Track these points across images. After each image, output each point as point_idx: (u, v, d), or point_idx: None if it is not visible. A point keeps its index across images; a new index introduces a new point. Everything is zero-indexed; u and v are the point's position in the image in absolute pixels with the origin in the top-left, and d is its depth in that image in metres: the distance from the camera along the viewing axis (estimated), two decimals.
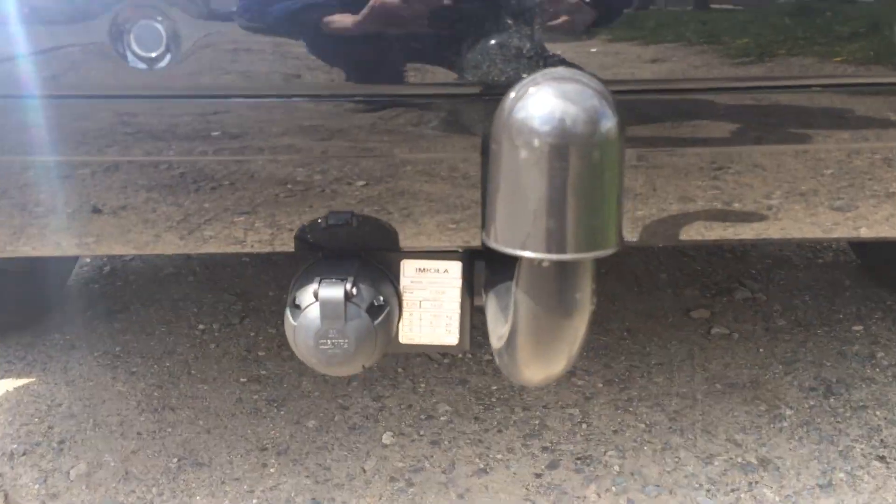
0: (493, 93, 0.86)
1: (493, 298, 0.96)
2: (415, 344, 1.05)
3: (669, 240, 1.14)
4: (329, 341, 0.91)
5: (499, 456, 1.56)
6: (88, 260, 2.62)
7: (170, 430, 1.68)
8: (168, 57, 0.84)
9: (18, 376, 1.91)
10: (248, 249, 0.98)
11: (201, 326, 2.14)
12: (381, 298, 0.95)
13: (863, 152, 1.12)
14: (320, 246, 0.94)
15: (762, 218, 1.19)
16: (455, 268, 0.99)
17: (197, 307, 2.26)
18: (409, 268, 1.01)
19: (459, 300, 1.01)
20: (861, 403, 1.70)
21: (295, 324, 0.93)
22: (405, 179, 0.91)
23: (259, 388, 1.83)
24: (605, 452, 1.56)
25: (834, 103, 0.98)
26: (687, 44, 0.87)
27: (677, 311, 2.16)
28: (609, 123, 0.64)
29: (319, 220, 0.91)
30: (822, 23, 0.92)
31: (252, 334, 2.09)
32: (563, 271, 0.72)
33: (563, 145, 0.63)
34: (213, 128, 0.90)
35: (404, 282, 1.01)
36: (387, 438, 1.62)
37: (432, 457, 1.56)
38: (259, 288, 2.37)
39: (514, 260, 0.98)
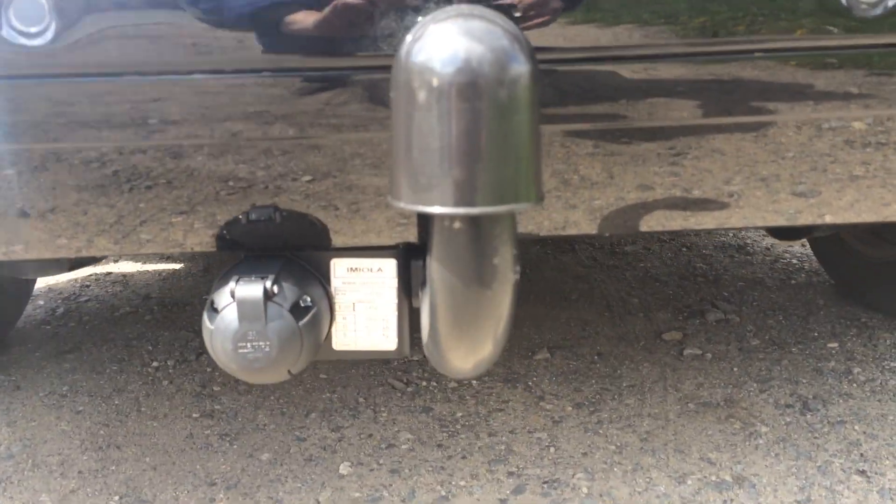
0: None
1: (425, 296, 0.89)
2: (350, 350, 0.97)
3: (629, 229, 1.10)
4: (249, 344, 0.83)
5: (462, 482, 1.47)
6: (42, 302, 2.54)
7: (113, 468, 1.58)
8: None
9: None
10: (161, 250, 0.91)
11: (155, 364, 2.05)
12: (308, 299, 0.88)
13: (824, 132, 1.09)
14: (242, 245, 0.87)
15: (723, 206, 1.15)
16: (390, 266, 0.92)
17: (152, 345, 2.17)
18: (339, 267, 0.94)
19: (396, 301, 0.94)
20: (839, 418, 1.63)
21: (212, 327, 0.86)
22: (332, 169, 0.85)
23: (212, 422, 1.74)
24: (574, 475, 1.48)
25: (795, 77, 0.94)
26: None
27: (649, 334, 2.10)
28: (519, 64, 0.59)
29: (240, 217, 0.85)
30: None
31: (208, 370, 2.00)
32: (477, 231, 0.65)
33: (467, 83, 0.57)
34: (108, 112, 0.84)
35: (335, 283, 0.94)
36: (344, 469, 1.53)
37: (391, 485, 1.47)
38: None
39: None
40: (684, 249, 2.84)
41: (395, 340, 0.96)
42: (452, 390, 1.83)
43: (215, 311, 0.86)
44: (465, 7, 0.60)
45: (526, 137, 0.60)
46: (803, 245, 2.78)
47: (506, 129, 0.59)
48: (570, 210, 1.04)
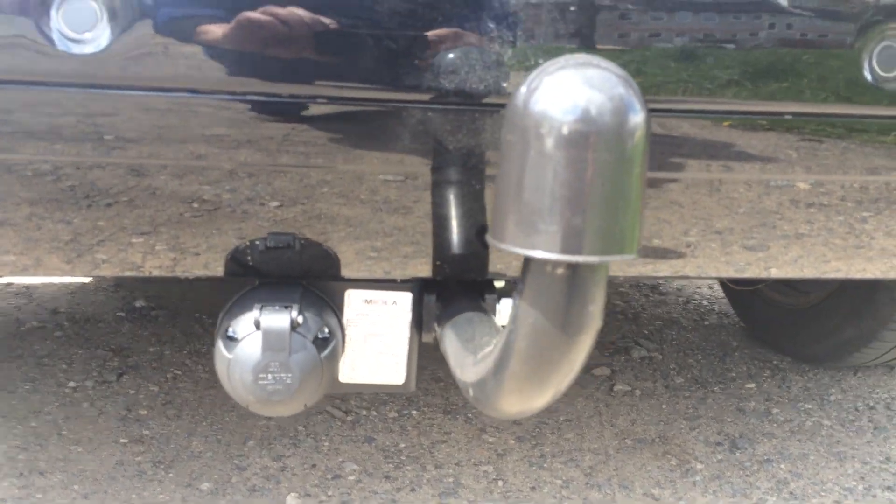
0: (453, 103, 0.82)
1: (451, 331, 0.89)
2: (356, 383, 0.95)
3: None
4: (270, 376, 0.80)
5: None
6: None
7: (39, 496, 1.48)
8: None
9: None
10: (171, 273, 0.87)
11: (72, 384, 1.94)
12: (327, 330, 0.86)
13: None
14: (257, 271, 0.84)
15: (679, 255, 1.20)
16: (405, 300, 0.92)
17: (66, 364, 2.05)
18: (354, 298, 0.92)
19: (409, 336, 0.94)
20: (766, 457, 1.72)
21: (230, 356, 0.82)
22: (355, 202, 0.84)
23: (143, 449, 1.66)
24: None
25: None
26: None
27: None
28: (638, 114, 0.60)
29: (257, 243, 0.82)
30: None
31: (132, 392, 1.91)
32: (577, 278, 0.66)
33: (590, 133, 0.59)
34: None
35: (349, 314, 0.92)
36: (291, 500, 1.49)
37: None
38: (138, 343, 2.19)
39: (469, 291, 0.93)
40: None
41: (404, 375, 0.95)
42: (393, 420, 1.81)
43: (233, 339, 0.83)
44: (581, 56, 0.62)
45: (637, 189, 0.62)
46: (711, 287, 2.93)
47: (620, 180, 0.60)
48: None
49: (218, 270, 0.83)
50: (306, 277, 0.86)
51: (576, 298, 0.67)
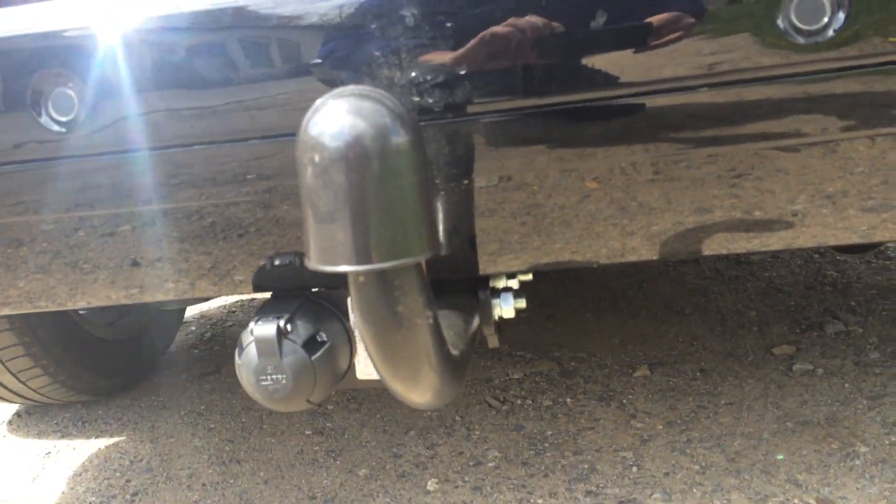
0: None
1: None
2: (372, 379, 1.05)
3: (692, 253, 1.10)
4: (268, 377, 0.94)
5: (539, 501, 1.52)
6: (194, 328, 2.81)
7: (232, 481, 1.75)
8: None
9: (111, 435, 2.05)
10: (209, 295, 1.03)
11: None
12: (324, 335, 0.97)
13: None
14: (270, 287, 0.98)
15: (788, 225, 1.12)
16: None
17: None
18: None
19: None
20: None
21: (239, 362, 0.97)
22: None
23: (321, 439, 1.88)
24: (651, 495, 1.48)
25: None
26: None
27: (759, 348, 2.04)
28: (397, 136, 0.65)
29: (265, 262, 0.96)
30: None
31: None
32: (381, 284, 0.72)
33: (351, 157, 0.64)
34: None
35: (353, 318, 1.02)
36: (431, 485, 1.62)
37: (472, 502, 1.54)
38: None
39: (461, 289, 0.99)
40: (816, 256, 2.71)
41: None
42: (546, 408, 1.87)
43: (241, 347, 0.98)
44: (351, 87, 0.68)
45: (410, 198, 0.67)
46: None
47: (387, 193, 0.65)
48: (628, 237, 1.06)
49: (248, 290, 0.98)
50: (312, 288, 0.98)
51: (384, 301, 0.72)
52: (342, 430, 1.91)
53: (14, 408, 2.29)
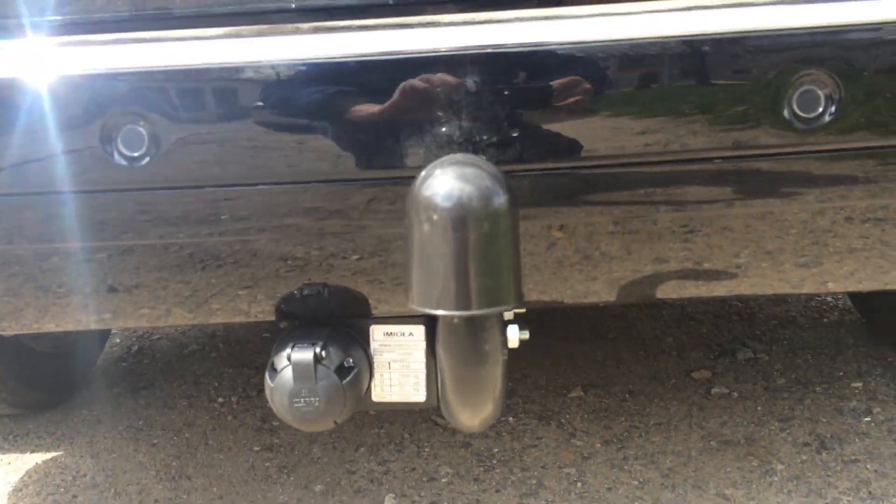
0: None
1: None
2: (386, 402, 1.14)
3: (646, 297, 1.22)
4: (302, 400, 1.00)
5: None
6: (119, 340, 2.77)
7: (185, 496, 1.77)
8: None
9: (48, 450, 2.02)
10: (236, 320, 1.09)
11: (220, 399, 2.25)
12: (351, 361, 1.05)
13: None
14: (296, 315, 1.05)
15: (732, 276, 1.26)
16: (419, 331, 1.09)
17: (218, 381, 2.37)
18: (377, 332, 1.11)
19: (425, 360, 1.10)
20: (853, 457, 1.73)
21: (272, 385, 1.03)
22: (374, 254, 1.02)
23: (272, 455, 1.92)
24: None
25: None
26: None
27: (680, 372, 2.21)
28: (499, 200, 0.75)
29: (295, 292, 1.02)
30: None
31: (268, 405, 2.18)
32: (473, 326, 0.82)
33: (460, 218, 0.74)
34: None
35: (374, 345, 1.10)
36: (389, 501, 1.69)
37: None
38: None
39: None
40: None
41: (425, 393, 1.12)
42: (490, 427, 1.97)
43: (275, 371, 1.04)
44: (459, 155, 0.78)
45: (508, 256, 0.76)
46: None
47: (493, 250, 0.75)
48: (591, 281, 1.18)
49: (271, 315, 1.04)
50: (337, 317, 1.06)
51: (474, 342, 0.82)
52: (291, 447, 1.95)
53: None
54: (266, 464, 1.88)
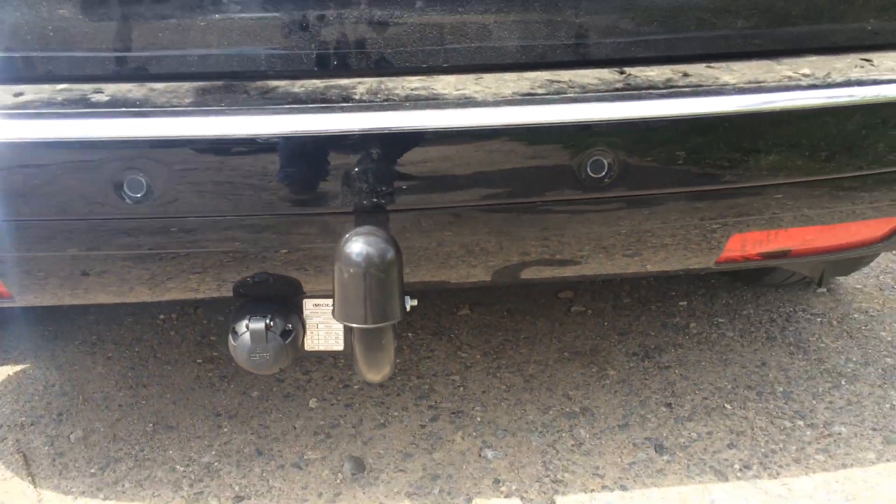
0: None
1: None
2: (315, 350, 1.57)
3: (513, 279, 1.65)
4: (257, 355, 1.43)
5: (395, 413, 2.11)
6: None
7: (144, 402, 2.18)
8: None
9: (16, 363, 2.38)
10: (202, 296, 1.48)
11: (162, 316, 2.63)
12: (290, 325, 1.47)
13: None
14: (249, 294, 1.45)
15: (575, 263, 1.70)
16: None
17: (157, 301, 2.74)
18: (308, 304, 1.53)
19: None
20: (667, 364, 2.28)
21: (235, 344, 1.45)
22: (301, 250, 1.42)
23: (213, 367, 2.34)
24: (473, 408, 2.12)
25: None
26: None
27: (549, 293, 2.72)
28: (389, 255, 1.18)
29: (249, 278, 1.42)
30: None
31: (205, 322, 2.59)
32: (373, 331, 1.27)
33: (365, 268, 1.17)
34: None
35: (306, 312, 1.53)
36: (312, 403, 2.15)
37: (346, 416, 2.10)
38: None
39: None
40: None
41: (342, 344, 1.56)
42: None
43: (237, 334, 1.45)
44: (364, 228, 1.19)
45: (395, 287, 1.19)
46: None
47: (385, 286, 1.18)
48: (471, 268, 1.60)
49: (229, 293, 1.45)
50: (280, 294, 1.47)
51: (374, 340, 1.27)
52: (228, 359, 2.36)
53: None
54: (209, 374, 2.30)
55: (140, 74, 1.34)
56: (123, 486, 1.87)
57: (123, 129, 1.20)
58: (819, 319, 2.51)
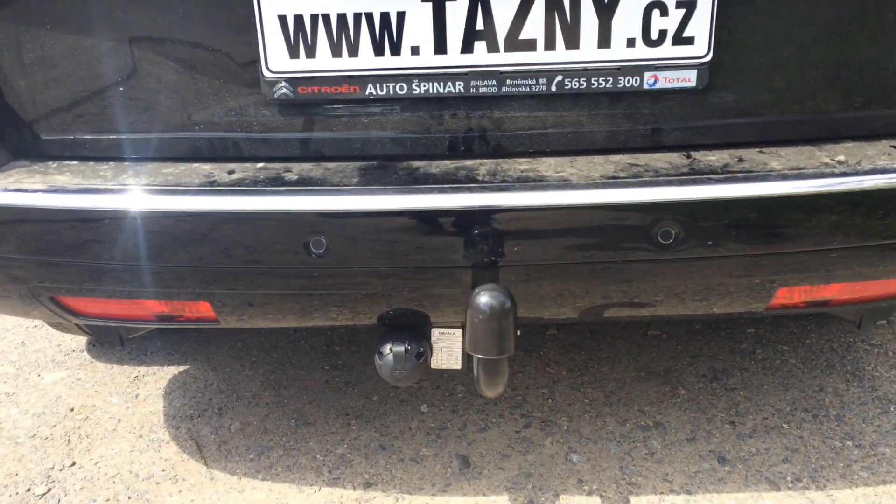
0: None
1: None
2: (439, 368, 1.98)
3: (596, 318, 2.02)
4: (398, 372, 1.84)
5: (494, 420, 2.50)
6: None
7: (286, 401, 2.63)
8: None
9: (179, 364, 2.87)
10: (356, 323, 1.90)
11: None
12: (422, 349, 1.88)
13: None
14: (389, 323, 1.87)
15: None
16: (458, 332, 1.91)
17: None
18: (435, 332, 1.93)
19: (461, 348, 1.93)
20: (733, 386, 2.60)
21: (381, 363, 1.87)
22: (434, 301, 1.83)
23: (339, 373, 2.77)
24: (560, 417, 2.49)
25: None
26: None
27: None
28: (507, 304, 1.58)
29: (392, 311, 1.83)
30: None
31: (329, 333, 3.03)
32: (494, 361, 1.66)
33: (489, 315, 1.58)
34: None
35: (433, 339, 1.93)
36: (423, 408, 2.56)
37: (452, 420, 2.50)
38: None
39: None
40: None
41: (460, 364, 1.96)
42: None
43: (382, 354, 1.86)
44: (490, 285, 1.60)
45: (510, 329, 1.60)
46: None
47: (504, 329, 1.58)
48: (561, 308, 1.96)
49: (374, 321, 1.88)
50: (414, 323, 1.88)
51: (494, 366, 1.66)
52: (351, 367, 2.81)
53: (83, 340, 3.04)
54: (336, 379, 2.74)
55: (316, 156, 1.77)
56: (276, 469, 2.32)
57: (312, 205, 1.63)
58: (876, 350, 2.77)
